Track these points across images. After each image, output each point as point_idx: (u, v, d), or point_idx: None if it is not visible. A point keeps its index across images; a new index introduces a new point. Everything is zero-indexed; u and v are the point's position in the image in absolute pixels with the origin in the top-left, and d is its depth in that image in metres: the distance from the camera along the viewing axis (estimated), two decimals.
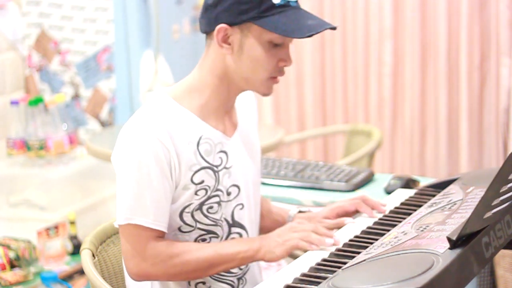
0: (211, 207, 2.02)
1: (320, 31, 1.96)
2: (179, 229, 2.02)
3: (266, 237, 1.99)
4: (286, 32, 1.94)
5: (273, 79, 2.01)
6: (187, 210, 2.00)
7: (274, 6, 1.94)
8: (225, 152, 2.04)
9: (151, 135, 1.93)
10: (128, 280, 2.07)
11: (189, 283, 2.04)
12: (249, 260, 1.98)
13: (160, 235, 1.97)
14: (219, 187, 2.03)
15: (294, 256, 2.28)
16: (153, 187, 1.94)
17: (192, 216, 2.01)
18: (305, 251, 1.95)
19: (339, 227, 2.09)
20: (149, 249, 1.95)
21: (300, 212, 2.22)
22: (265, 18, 1.94)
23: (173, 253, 1.95)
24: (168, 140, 1.94)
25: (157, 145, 1.93)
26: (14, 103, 4.04)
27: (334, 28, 1.99)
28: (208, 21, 1.99)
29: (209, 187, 2.01)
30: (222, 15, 1.96)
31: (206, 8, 2.00)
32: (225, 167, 2.04)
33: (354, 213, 2.17)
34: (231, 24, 1.96)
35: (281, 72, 2.01)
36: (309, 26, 1.95)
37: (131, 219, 1.95)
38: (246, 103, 2.17)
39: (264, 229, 2.21)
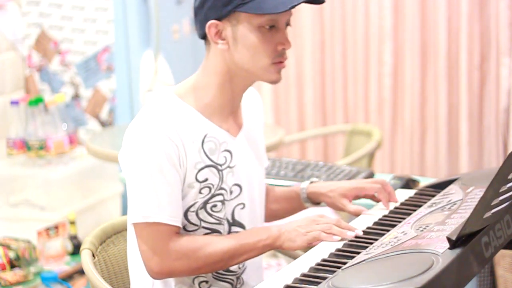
0: (215, 206, 2.03)
1: (301, 2, 1.94)
2: (184, 228, 2.02)
3: (285, 225, 2.00)
4: (268, 10, 1.94)
5: (277, 64, 2.00)
6: (192, 209, 2.01)
7: None
8: (229, 151, 2.05)
9: (161, 132, 1.94)
10: (133, 278, 2.08)
11: (193, 281, 2.05)
12: (269, 248, 1.99)
13: (178, 231, 1.98)
14: (223, 186, 2.03)
15: (295, 256, 2.28)
16: (168, 183, 1.95)
17: (197, 215, 2.02)
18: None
19: (356, 215, 2.13)
20: (172, 245, 1.95)
21: (312, 182, 2.23)
22: (249, 3, 1.95)
23: (195, 247, 1.96)
24: (176, 137, 1.96)
25: (167, 142, 1.94)
26: (14, 103, 4.04)
27: (317, 1, 1.98)
28: (200, 24, 2.02)
29: (213, 185, 2.02)
30: (209, 13, 1.98)
31: (196, 12, 2.03)
32: (228, 166, 2.04)
33: (371, 196, 2.19)
34: (219, 19, 1.97)
35: (282, 55, 2.00)
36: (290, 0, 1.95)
37: (149, 217, 1.94)
38: (252, 103, 2.18)
39: (280, 211, 2.23)
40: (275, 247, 1.99)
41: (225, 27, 1.98)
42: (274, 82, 2.02)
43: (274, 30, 1.98)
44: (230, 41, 1.98)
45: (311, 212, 2.18)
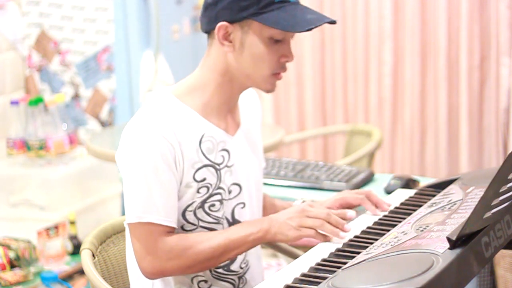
0: (213, 205, 2.03)
1: (319, 25, 1.98)
2: (182, 228, 2.03)
3: (275, 218, 1.99)
4: (286, 27, 1.96)
5: (276, 75, 2.03)
6: (189, 208, 2.01)
7: (273, 2, 1.97)
8: (227, 150, 2.05)
9: (156, 132, 1.94)
10: (132, 278, 2.08)
11: (192, 281, 2.05)
12: (260, 241, 1.99)
13: (171, 231, 1.98)
14: (221, 185, 2.04)
15: (295, 256, 2.28)
16: (162, 184, 1.95)
17: (195, 214, 2.02)
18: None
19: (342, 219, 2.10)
20: (162, 245, 1.95)
21: (303, 202, 2.23)
22: (265, 14, 1.96)
23: (186, 246, 1.96)
24: (172, 137, 1.96)
25: (163, 142, 1.94)
26: (14, 103, 4.04)
27: (333, 22, 2.01)
28: (209, 20, 2.01)
29: (211, 185, 2.02)
30: (223, 13, 1.98)
31: (206, 7, 2.02)
32: (226, 166, 2.05)
33: (357, 205, 2.17)
34: (231, 22, 1.97)
35: (283, 68, 2.03)
36: (309, 20, 1.98)
37: (142, 217, 1.95)
38: (250, 102, 2.19)
39: None
40: (267, 240, 1.99)
41: (235, 31, 1.98)
42: (268, 91, 2.05)
43: (280, 43, 2.00)
44: (236, 45, 1.99)
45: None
